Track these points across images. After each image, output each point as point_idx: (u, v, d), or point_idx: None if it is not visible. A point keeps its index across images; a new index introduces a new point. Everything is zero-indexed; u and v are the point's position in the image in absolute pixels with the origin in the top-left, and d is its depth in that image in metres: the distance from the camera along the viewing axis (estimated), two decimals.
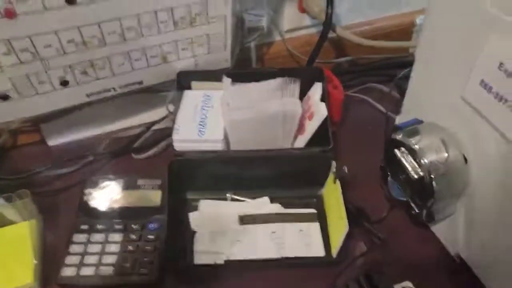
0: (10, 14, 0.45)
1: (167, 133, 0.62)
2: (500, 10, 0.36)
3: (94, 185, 0.57)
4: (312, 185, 0.57)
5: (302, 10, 0.70)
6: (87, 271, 0.49)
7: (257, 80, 0.61)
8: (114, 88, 0.59)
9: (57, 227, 0.55)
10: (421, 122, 0.47)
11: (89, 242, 0.51)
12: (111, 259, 0.50)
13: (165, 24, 0.55)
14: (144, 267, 0.49)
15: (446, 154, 0.43)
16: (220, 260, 0.50)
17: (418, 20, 0.77)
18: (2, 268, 0.49)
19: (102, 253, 0.50)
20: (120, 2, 0.50)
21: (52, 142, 0.65)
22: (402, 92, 0.57)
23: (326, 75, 0.62)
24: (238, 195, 0.57)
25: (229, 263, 0.50)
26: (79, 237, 0.52)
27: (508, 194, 0.39)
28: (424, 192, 0.44)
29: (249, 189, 0.57)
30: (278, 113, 0.56)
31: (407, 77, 0.54)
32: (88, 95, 0.58)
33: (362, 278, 0.42)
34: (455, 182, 0.44)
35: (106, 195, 0.56)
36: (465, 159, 0.43)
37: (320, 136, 0.57)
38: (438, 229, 0.52)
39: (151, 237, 0.52)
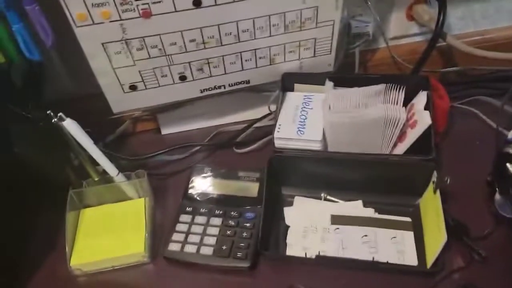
0: (146, 14, 0.52)
1: (267, 131, 0.66)
2: None
3: (200, 172, 0.62)
4: (408, 194, 0.57)
5: (410, 18, 0.69)
6: (190, 249, 0.54)
7: (359, 85, 0.61)
8: (224, 86, 0.64)
9: (165, 207, 0.62)
10: None
11: (193, 222, 0.56)
12: (212, 240, 0.54)
13: (276, 28, 0.58)
14: (240, 251, 0.52)
15: None
16: (310, 254, 0.52)
17: None
18: (119, 237, 0.56)
19: (203, 234, 0.55)
20: (239, 6, 0.54)
21: (166, 131, 0.72)
22: None
23: (432, 84, 0.61)
24: (331, 196, 0.59)
25: (319, 259, 0.51)
26: (185, 217, 0.57)
27: None
28: None
29: (343, 191, 0.58)
30: (380, 118, 0.57)
31: None
32: (201, 91, 0.64)
33: None
34: None
35: (209, 183, 0.61)
36: None
37: (421, 145, 0.56)
38: None
39: (247, 225, 0.55)
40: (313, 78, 0.64)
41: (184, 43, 0.57)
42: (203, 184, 0.61)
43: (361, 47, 0.69)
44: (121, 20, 0.52)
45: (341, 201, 0.58)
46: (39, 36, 0.51)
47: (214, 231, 0.55)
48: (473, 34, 0.74)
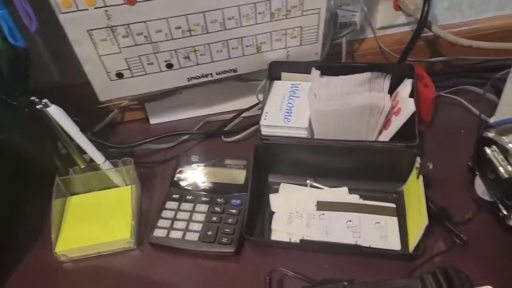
0: (131, 1, 0.52)
1: (256, 120, 0.66)
2: None
3: (187, 160, 0.63)
4: (393, 180, 0.57)
5: (398, 7, 0.70)
6: (175, 235, 0.54)
7: (346, 74, 0.62)
8: (211, 74, 0.64)
9: (152, 195, 0.62)
10: None
11: (179, 209, 0.57)
12: (197, 226, 0.54)
13: (262, 15, 0.58)
14: (225, 237, 0.53)
15: None
16: (295, 239, 0.52)
17: None
18: (106, 224, 0.56)
19: (189, 220, 0.55)
20: None
21: (154, 120, 0.73)
22: (499, 95, 0.54)
23: (418, 73, 0.61)
24: (317, 183, 0.59)
25: (304, 243, 0.52)
26: (171, 204, 0.57)
27: None
28: None
29: (328, 178, 0.59)
30: (365, 106, 0.57)
31: (504, 80, 0.52)
32: (188, 79, 0.64)
33: (438, 271, 0.42)
34: None
35: (197, 170, 0.62)
36: None
37: (407, 133, 0.56)
38: None
39: (233, 211, 0.56)
40: (300, 67, 0.64)
41: (170, 30, 0.57)
42: (190, 171, 0.62)
43: (348, 36, 0.70)
44: (106, 6, 0.52)
45: (326, 188, 0.59)
46: (23, 23, 0.51)
47: (200, 217, 0.56)
48: (460, 24, 0.74)
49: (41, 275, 0.54)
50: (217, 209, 0.56)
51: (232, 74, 0.66)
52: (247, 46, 0.62)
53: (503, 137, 0.43)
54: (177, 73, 0.62)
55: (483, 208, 0.52)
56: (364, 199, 0.57)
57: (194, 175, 0.61)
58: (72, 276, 0.54)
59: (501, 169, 0.43)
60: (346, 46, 0.70)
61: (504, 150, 0.43)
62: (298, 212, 0.56)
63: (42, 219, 0.58)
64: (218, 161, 0.62)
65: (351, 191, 0.58)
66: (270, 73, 0.65)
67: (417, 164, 0.53)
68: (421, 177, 0.52)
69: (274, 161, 0.60)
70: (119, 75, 0.60)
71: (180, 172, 0.62)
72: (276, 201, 0.58)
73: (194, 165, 0.62)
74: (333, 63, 0.67)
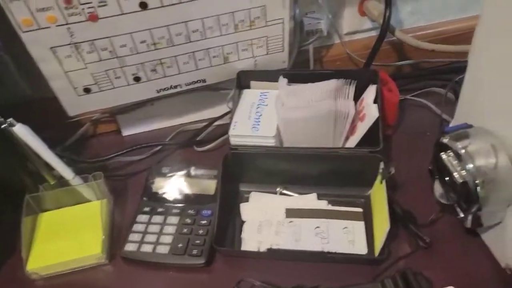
0: (93, 17, 0.53)
1: (227, 129, 0.67)
2: None
3: (158, 172, 0.63)
4: (360, 185, 0.58)
5: (363, 13, 0.71)
6: (146, 248, 0.54)
7: (313, 81, 0.63)
8: (180, 85, 0.65)
9: (124, 208, 0.62)
10: (470, 126, 0.47)
11: (150, 222, 0.57)
12: (168, 239, 0.55)
13: (226, 27, 0.59)
14: (195, 249, 0.53)
15: (495, 160, 0.43)
16: (264, 248, 0.53)
17: None
18: (76, 239, 0.56)
19: (160, 233, 0.56)
20: (186, 7, 0.55)
21: (126, 132, 0.73)
22: (458, 97, 0.56)
23: (382, 78, 0.62)
24: (287, 190, 0.60)
25: (273, 252, 0.53)
26: (142, 217, 0.58)
27: None
28: (468, 197, 0.43)
29: (298, 185, 0.60)
30: (331, 113, 0.58)
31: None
32: (158, 91, 0.64)
33: (398, 274, 0.43)
34: (503, 189, 0.43)
35: (168, 182, 0.62)
36: None
37: (373, 138, 0.58)
38: (488, 237, 0.50)
39: (204, 222, 0.56)
40: (268, 75, 0.65)
41: (134, 44, 0.57)
42: (161, 183, 0.62)
43: (315, 43, 0.71)
44: (68, 24, 0.52)
45: (296, 195, 0.60)
46: None
47: (171, 229, 0.56)
48: (426, 28, 0.76)
49: None
50: (188, 220, 0.57)
51: (201, 84, 0.66)
52: (214, 57, 0.63)
53: (457, 143, 0.44)
54: (145, 85, 0.63)
55: (446, 210, 0.53)
56: (333, 205, 0.58)
57: (166, 187, 0.61)
58: None
59: (455, 174, 0.44)
60: (313, 53, 0.71)
61: (458, 155, 0.44)
62: (268, 220, 0.57)
63: (15, 236, 0.57)
64: (189, 172, 0.63)
65: (320, 197, 0.59)
66: (239, 82, 0.66)
67: (380, 169, 0.54)
68: (384, 181, 0.53)
69: (244, 170, 0.60)
70: (87, 90, 0.60)
71: (152, 184, 0.62)
72: (246, 210, 0.58)
73: (166, 177, 0.63)
74: (300, 71, 0.68)
